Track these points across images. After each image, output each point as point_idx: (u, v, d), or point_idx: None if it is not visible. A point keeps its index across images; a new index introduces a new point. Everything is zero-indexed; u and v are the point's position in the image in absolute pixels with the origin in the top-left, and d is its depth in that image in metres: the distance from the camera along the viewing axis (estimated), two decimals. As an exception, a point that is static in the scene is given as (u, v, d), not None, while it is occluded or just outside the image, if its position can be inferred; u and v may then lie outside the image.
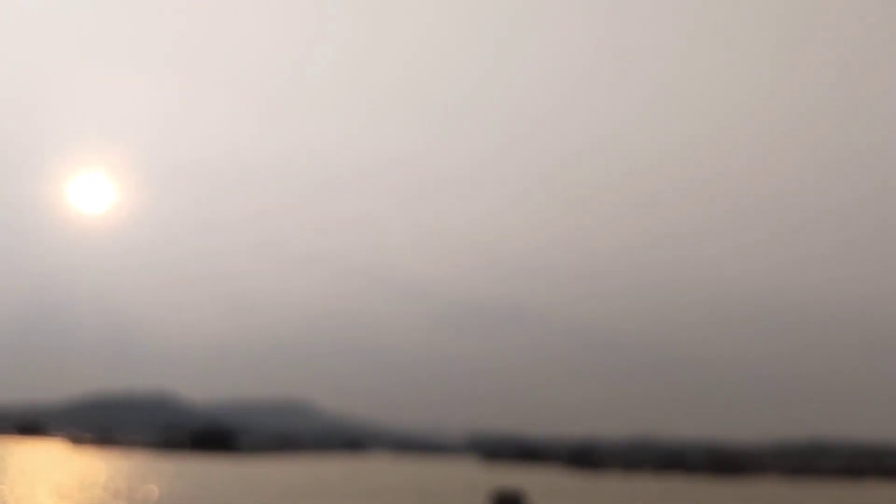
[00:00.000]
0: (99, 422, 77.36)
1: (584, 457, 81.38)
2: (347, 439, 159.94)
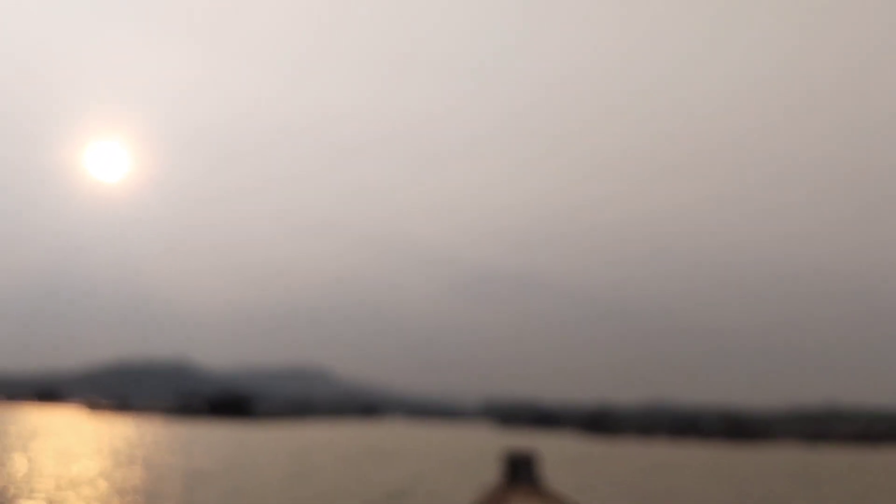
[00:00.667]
0: (117, 388, 78.24)
1: (599, 422, 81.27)
2: (363, 405, 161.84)
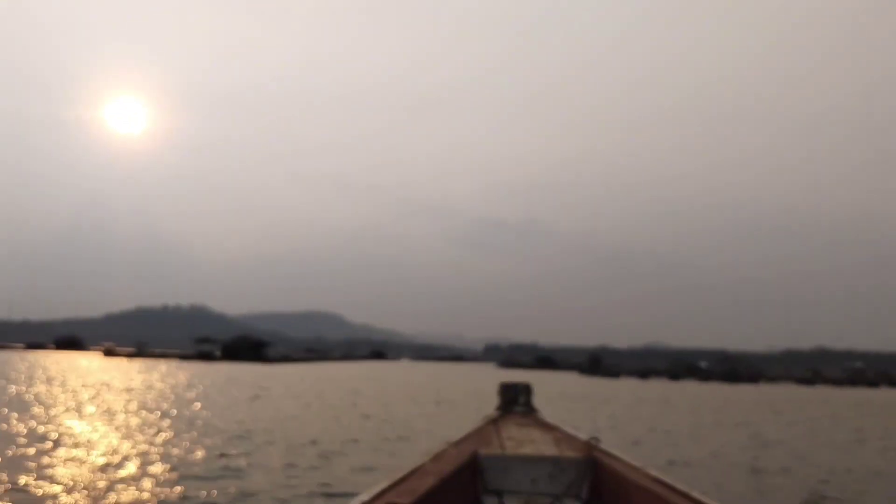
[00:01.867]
0: (136, 335, 78.46)
1: (599, 363, 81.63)
2: (373, 348, 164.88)
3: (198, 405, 13.35)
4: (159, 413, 11.40)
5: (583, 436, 1.79)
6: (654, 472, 1.35)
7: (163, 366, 41.03)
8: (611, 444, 1.95)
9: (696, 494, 1.16)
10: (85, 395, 15.37)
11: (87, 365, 35.31)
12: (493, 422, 2.16)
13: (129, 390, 17.58)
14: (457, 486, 1.34)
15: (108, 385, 19.57)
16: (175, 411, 11.82)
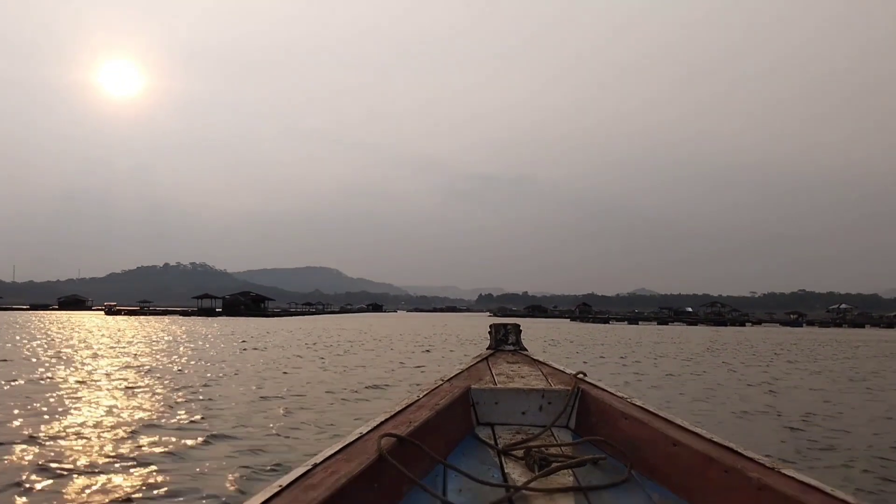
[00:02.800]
0: (139, 294, 78.83)
1: (589, 310, 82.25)
2: (371, 301, 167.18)
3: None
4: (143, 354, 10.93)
5: (570, 370, 1.82)
6: (638, 402, 1.41)
7: (165, 320, 40.78)
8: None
9: (679, 421, 1.22)
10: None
11: (86, 322, 34.87)
12: (485, 359, 2.18)
13: (110, 337, 17.12)
14: (451, 418, 1.41)
15: (88, 335, 19.16)
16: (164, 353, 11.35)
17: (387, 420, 1.21)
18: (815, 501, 0.81)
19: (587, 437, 1.43)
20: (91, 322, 35.98)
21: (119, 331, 24.73)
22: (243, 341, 18.41)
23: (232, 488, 3.60)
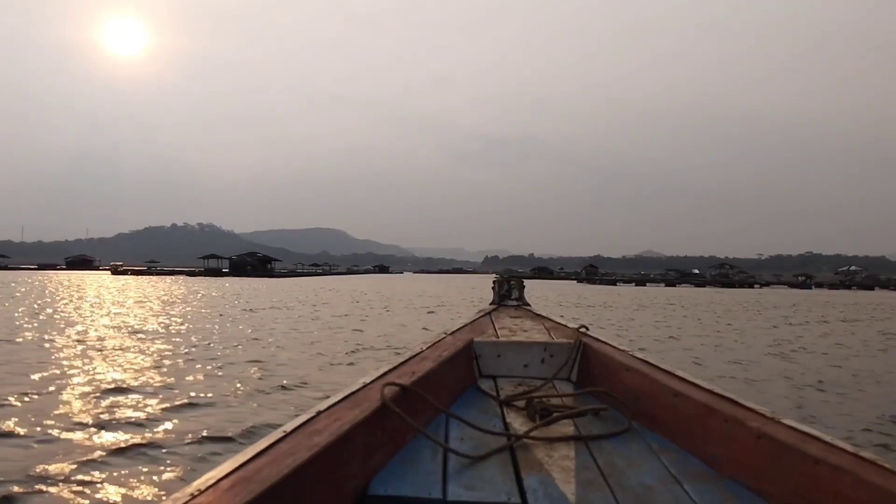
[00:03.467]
0: (147, 254, 78.87)
1: (595, 271, 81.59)
2: (377, 262, 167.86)
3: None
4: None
5: (572, 324, 1.83)
6: (639, 355, 1.41)
7: (167, 280, 40.47)
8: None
9: (679, 373, 1.23)
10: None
11: (86, 281, 34.59)
12: (488, 314, 2.19)
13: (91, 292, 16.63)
14: (453, 370, 1.42)
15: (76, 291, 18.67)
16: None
17: (390, 370, 1.23)
18: (814, 449, 0.83)
19: (588, 388, 1.43)
20: (92, 281, 35.66)
21: (106, 290, 24.16)
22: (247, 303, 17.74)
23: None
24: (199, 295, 21.21)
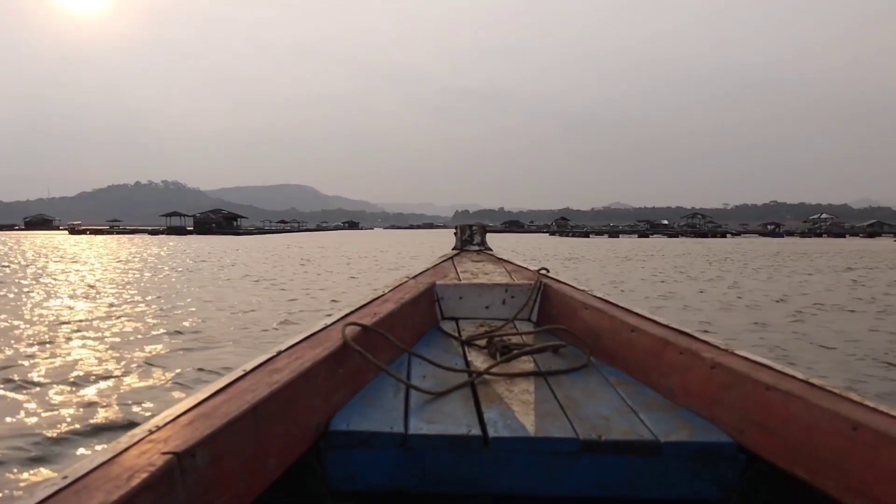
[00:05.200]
0: (110, 213, 76.06)
1: (566, 224, 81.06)
2: (347, 219, 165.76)
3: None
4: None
5: (533, 267, 1.85)
6: (598, 294, 1.45)
7: (123, 239, 38.36)
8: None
9: (637, 310, 1.26)
10: None
11: (30, 242, 32.53)
12: (450, 259, 2.20)
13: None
14: (415, 312, 1.44)
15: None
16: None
17: (352, 312, 1.24)
18: (766, 377, 0.85)
19: (548, 326, 1.46)
20: (43, 242, 33.61)
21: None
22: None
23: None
24: (149, 253, 19.74)
